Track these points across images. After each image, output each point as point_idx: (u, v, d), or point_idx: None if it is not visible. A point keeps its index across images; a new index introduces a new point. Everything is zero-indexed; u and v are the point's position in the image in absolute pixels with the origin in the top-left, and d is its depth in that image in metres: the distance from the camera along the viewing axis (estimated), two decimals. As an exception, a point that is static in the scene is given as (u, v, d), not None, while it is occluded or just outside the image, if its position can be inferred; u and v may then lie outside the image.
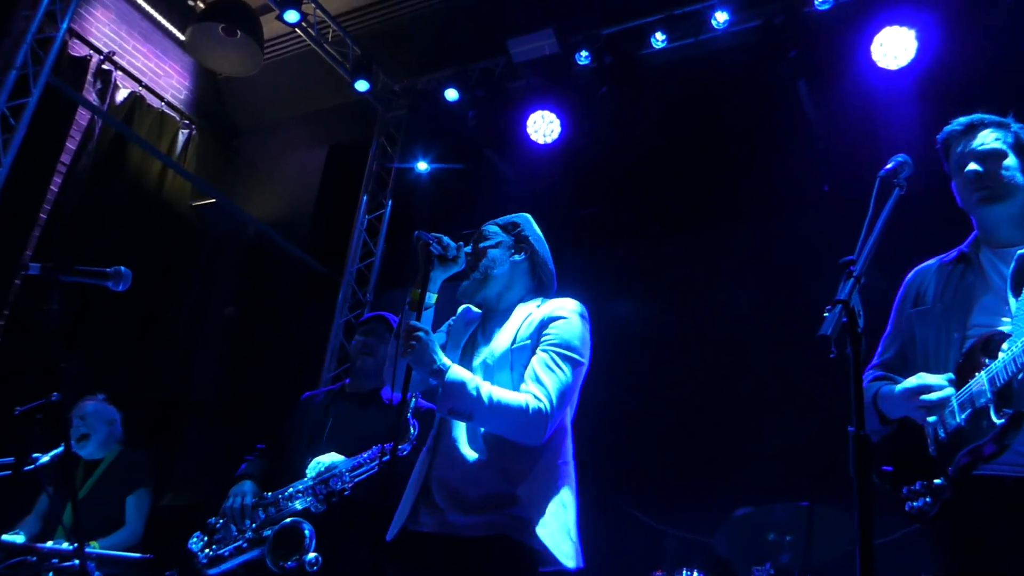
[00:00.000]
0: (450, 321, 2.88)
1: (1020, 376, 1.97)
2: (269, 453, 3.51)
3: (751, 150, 6.26)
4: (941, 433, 2.19)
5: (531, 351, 2.48)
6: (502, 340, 2.57)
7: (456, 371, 2.40)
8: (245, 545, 3.21)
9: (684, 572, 4.34)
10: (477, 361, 2.61)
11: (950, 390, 2.15)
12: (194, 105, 8.20)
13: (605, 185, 6.86)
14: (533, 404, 2.34)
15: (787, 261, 5.86)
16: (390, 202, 7.60)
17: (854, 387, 1.54)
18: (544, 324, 2.52)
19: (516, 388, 2.43)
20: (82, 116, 7.01)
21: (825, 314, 1.58)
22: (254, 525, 3.20)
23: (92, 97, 7.04)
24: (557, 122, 6.67)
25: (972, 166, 2.33)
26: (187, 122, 8.00)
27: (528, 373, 2.43)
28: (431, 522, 2.43)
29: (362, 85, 7.20)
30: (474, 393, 2.34)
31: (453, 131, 7.20)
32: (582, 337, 2.54)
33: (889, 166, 2.07)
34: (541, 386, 2.38)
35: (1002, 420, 1.99)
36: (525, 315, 2.60)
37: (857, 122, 5.79)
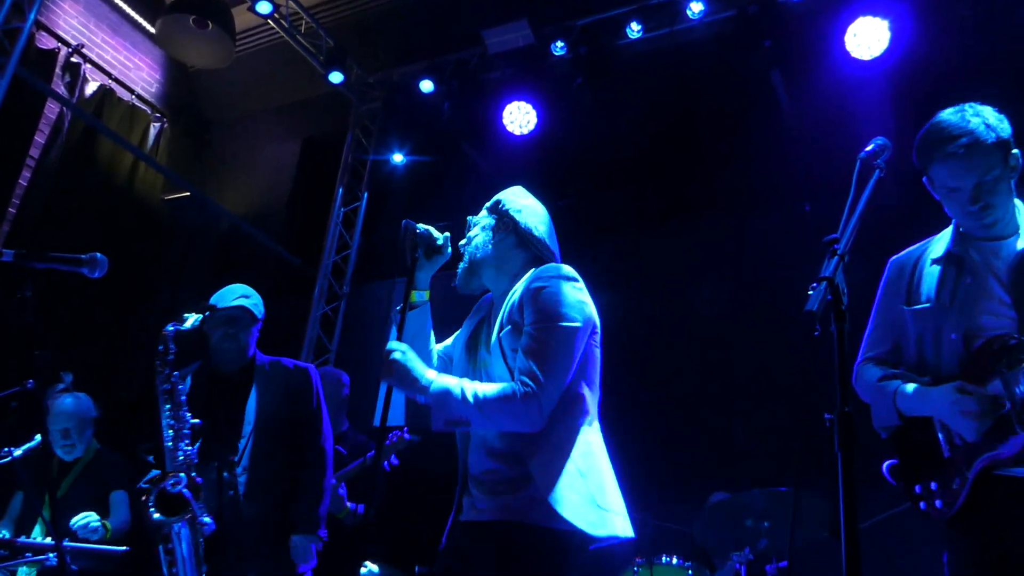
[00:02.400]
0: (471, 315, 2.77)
1: None
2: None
3: (727, 142, 6.28)
4: (957, 440, 2.23)
5: (518, 332, 2.33)
6: (495, 327, 2.48)
7: (439, 381, 2.29)
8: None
9: (664, 559, 4.36)
10: (483, 351, 2.54)
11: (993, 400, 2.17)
12: (165, 98, 8.09)
13: (581, 177, 6.86)
14: (520, 390, 2.21)
15: (764, 253, 5.90)
16: (366, 194, 7.56)
17: (838, 365, 1.54)
18: (528, 300, 2.34)
19: (505, 372, 2.34)
20: (51, 109, 6.90)
21: (810, 291, 1.59)
22: None
23: (61, 90, 6.93)
24: (533, 113, 6.66)
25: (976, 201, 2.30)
26: (158, 115, 7.90)
27: (518, 359, 2.29)
28: (470, 510, 2.39)
29: (336, 77, 7.15)
30: (460, 397, 2.24)
31: (428, 123, 7.17)
32: (566, 300, 2.33)
33: (869, 148, 2.07)
34: (526, 368, 2.24)
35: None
36: (513, 294, 2.45)
37: (831, 112, 5.83)
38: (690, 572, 4.25)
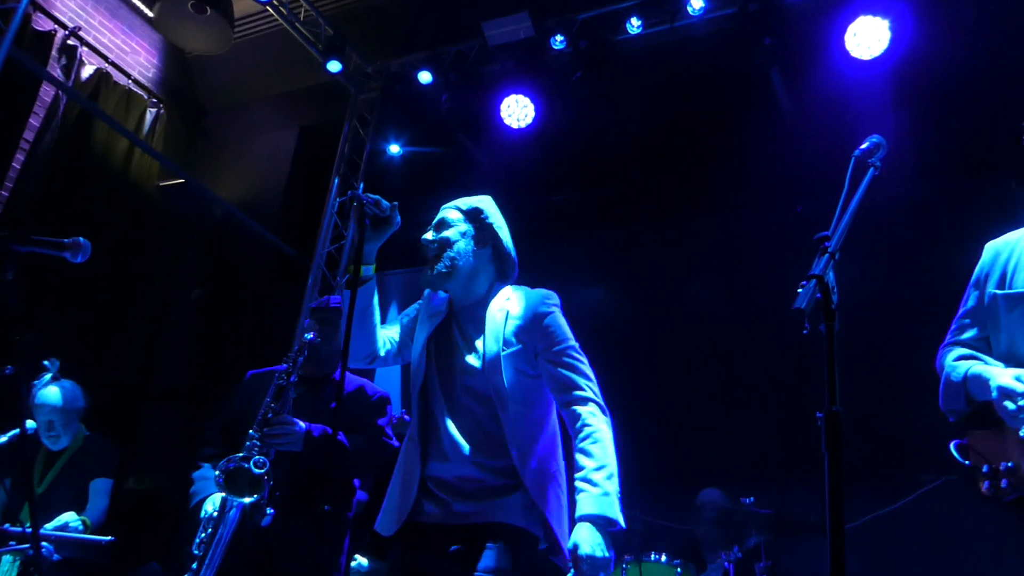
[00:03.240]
0: (416, 306, 2.79)
1: None
2: (220, 450, 3.38)
3: (725, 139, 6.27)
4: None
5: (528, 354, 2.50)
6: (489, 342, 2.50)
7: (607, 503, 2.27)
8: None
9: (652, 556, 4.34)
10: (459, 361, 2.54)
11: None
12: (162, 83, 8.05)
13: (578, 171, 6.84)
14: (604, 418, 2.42)
15: (759, 251, 5.89)
16: (362, 185, 7.52)
17: (827, 364, 1.52)
18: (537, 325, 2.53)
19: (509, 388, 2.43)
20: (46, 92, 6.86)
21: (799, 289, 1.57)
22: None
23: (56, 73, 6.88)
24: (531, 106, 6.62)
25: None
26: (155, 100, 7.86)
27: (564, 386, 2.45)
28: (438, 512, 2.42)
29: (334, 66, 7.10)
30: (608, 488, 2.29)
31: (426, 114, 7.14)
32: (566, 324, 2.62)
33: (864, 146, 2.06)
34: (582, 384, 2.45)
35: None
36: (503, 313, 2.56)
37: (829, 111, 5.81)
38: (679, 570, 4.24)
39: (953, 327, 2.47)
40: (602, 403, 2.44)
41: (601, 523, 2.24)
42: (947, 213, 5.35)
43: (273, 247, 7.44)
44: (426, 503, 2.43)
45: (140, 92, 7.70)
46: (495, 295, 2.64)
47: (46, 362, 4.42)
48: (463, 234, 2.61)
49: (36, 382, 4.36)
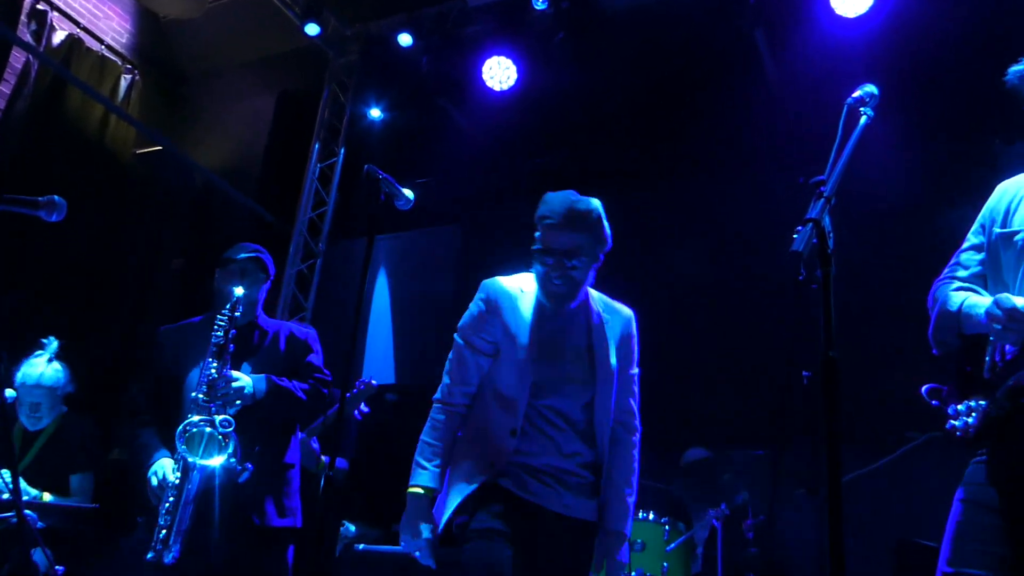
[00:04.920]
0: (477, 317, 2.73)
1: None
2: (154, 413, 3.33)
3: (709, 100, 6.21)
4: (997, 357, 2.09)
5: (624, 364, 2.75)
6: (600, 354, 2.65)
7: (623, 532, 2.66)
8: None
9: (640, 515, 4.37)
10: (568, 366, 2.63)
11: None
12: (136, 49, 7.88)
13: (560, 134, 6.77)
14: (636, 442, 2.75)
15: (745, 213, 5.87)
16: (343, 150, 7.44)
17: (823, 309, 1.50)
18: (627, 345, 2.77)
19: (613, 402, 2.65)
20: (16, 59, 6.70)
21: (795, 234, 1.54)
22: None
23: (27, 39, 6.72)
24: (513, 69, 6.54)
25: None
26: (129, 67, 7.70)
27: (628, 411, 2.75)
28: (549, 498, 2.55)
29: (312, 29, 6.98)
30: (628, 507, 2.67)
31: (407, 78, 7.04)
32: None
33: (856, 94, 2.04)
34: (635, 416, 2.79)
35: None
36: (607, 326, 2.72)
37: (815, 71, 5.76)
38: (667, 527, 4.26)
39: (952, 262, 2.41)
40: (640, 433, 2.75)
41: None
42: (931, 174, 5.35)
43: (254, 214, 7.36)
44: (531, 482, 2.52)
45: (114, 58, 7.54)
46: (592, 301, 2.77)
47: (44, 340, 4.35)
48: (589, 265, 2.66)
49: (27, 358, 4.28)
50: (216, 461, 3.03)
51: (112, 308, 7.37)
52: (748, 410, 5.24)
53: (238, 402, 3.15)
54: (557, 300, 2.61)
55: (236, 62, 8.22)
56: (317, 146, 7.38)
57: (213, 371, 3.13)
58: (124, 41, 7.78)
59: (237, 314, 3.26)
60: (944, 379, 2.29)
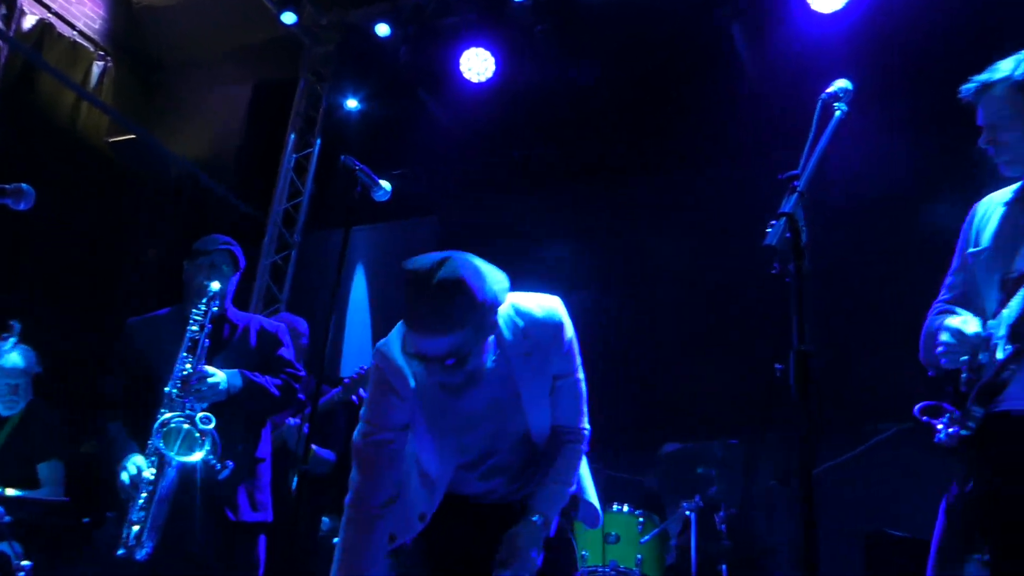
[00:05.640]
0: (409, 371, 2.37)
1: None
2: (123, 407, 3.30)
3: (688, 93, 6.23)
4: (964, 371, 2.19)
5: None
6: (530, 391, 2.38)
7: (548, 514, 2.36)
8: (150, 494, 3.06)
9: (615, 507, 4.39)
10: (479, 417, 2.39)
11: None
12: (109, 36, 7.77)
13: (539, 127, 6.77)
14: (583, 443, 2.50)
15: (722, 206, 5.90)
16: (319, 141, 7.38)
17: (795, 302, 1.52)
18: (562, 354, 2.44)
19: (549, 422, 2.45)
20: (-15, 44, 6.59)
21: (768, 228, 1.55)
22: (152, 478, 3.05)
23: (-5, 24, 6.61)
24: (491, 60, 6.52)
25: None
26: (102, 53, 7.58)
27: (564, 409, 2.47)
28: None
29: (288, 18, 6.93)
30: (562, 497, 2.40)
31: (384, 68, 7.00)
32: None
33: (831, 89, 2.06)
34: (580, 419, 2.51)
35: (1005, 355, 2.06)
36: (530, 359, 2.35)
37: (790, 67, 5.80)
38: (641, 520, 4.29)
39: (942, 287, 2.48)
40: (587, 434, 2.51)
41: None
42: (908, 170, 5.41)
43: (229, 204, 7.29)
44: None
45: (86, 44, 7.43)
46: (506, 338, 2.32)
47: (11, 323, 4.29)
48: (480, 345, 2.17)
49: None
50: (196, 457, 3.02)
51: (82, 298, 7.28)
52: (724, 403, 5.29)
53: (212, 397, 3.14)
54: (462, 390, 2.24)
55: (212, 50, 8.12)
56: (293, 136, 7.33)
57: (188, 366, 3.11)
58: (97, 27, 7.66)
59: (214, 309, 3.25)
60: (929, 392, 2.36)
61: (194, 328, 3.18)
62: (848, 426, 4.58)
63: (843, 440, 4.59)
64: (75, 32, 7.31)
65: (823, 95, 2.05)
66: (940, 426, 2.22)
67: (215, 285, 3.29)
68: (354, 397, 4.21)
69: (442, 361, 2.08)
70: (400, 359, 2.31)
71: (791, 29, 5.79)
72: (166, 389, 3.11)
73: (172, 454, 3.01)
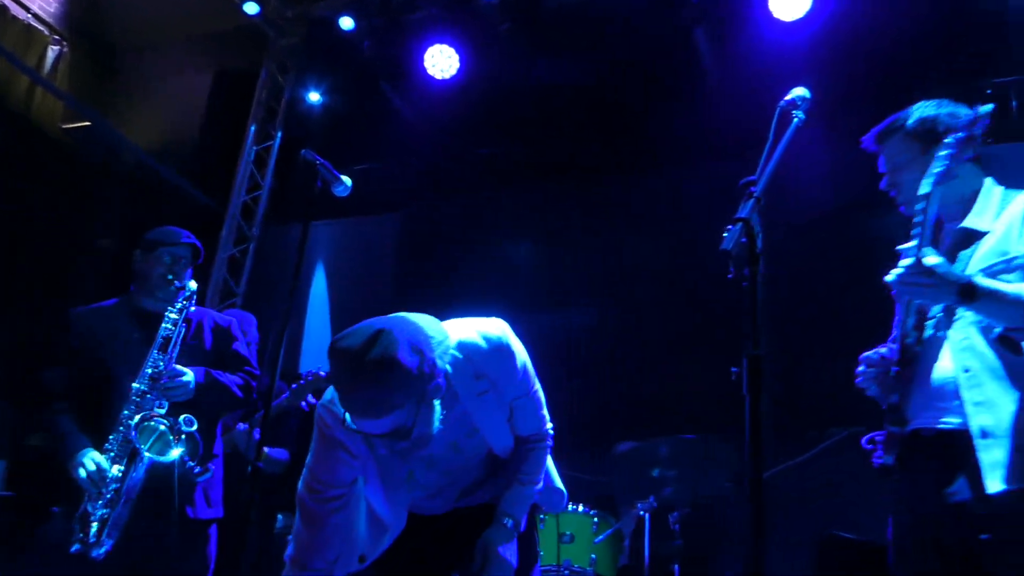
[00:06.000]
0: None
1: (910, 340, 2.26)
2: (72, 399, 3.23)
3: (652, 95, 6.27)
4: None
5: None
6: (488, 425, 2.33)
7: (517, 517, 2.35)
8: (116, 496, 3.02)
9: (569, 507, 4.40)
10: (435, 460, 2.35)
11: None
12: (66, 19, 7.59)
13: (503, 125, 6.76)
14: (548, 447, 2.53)
15: (684, 209, 5.95)
16: (280, 133, 7.30)
17: (750, 307, 1.53)
18: (516, 383, 2.38)
19: (512, 442, 2.44)
20: (-66, 24, 6.41)
21: (725, 233, 1.57)
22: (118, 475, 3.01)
23: (-53, 3, 6.43)
24: (456, 57, 6.50)
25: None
26: (57, 38, 7.41)
27: (525, 425, 2.46)
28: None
29: (251, 8, 6.82)
30: (529, 497, 2.42)
31: (348, 62, 6.94)
32: None
33: (789, 97, 2.09)
34: (543, 431, 2.52)
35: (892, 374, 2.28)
36: (484, 398, 2.28)
37: (751, 73, 5.86)
38: (595, 519, 4.31)
39: None
40: (551, 436, 2.54)
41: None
42: (866, 177, 5.48)
43: (186, 195, 7.18)
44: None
45: (41, 28, 7.26)
46: (456, 380, 2.22)
47: None
48: (426, 408, 2.04)
49: None
50: (174, 454, 3.01)
51: (32, 288, 7.12)
52: (679, 404, 5.33)
53: (180, 396, 3.13)
54: (410, 448, 2.09)
55: (172, 37, 7.98)
56: (253, 128, 7.23)
57: (161, 364, 3.10)
58: (52, 10, 7.49)
59: (192, 308, 3.23)
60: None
61: (168, 326, 3.16)
62: (801, 430, 4.65)
63: (796, 444, 4.65)
64: (29, 15, 7.13)
65: (781, 102, 2.07)
66: (878, 452, 2.35)
67: (193, 284, 3.28)
68: (303, 404, 4.16)
69: (391, 439, 2.01)
70: (337, 418, 2.17)
71: (753, 35, 5.85)
72: (134, 385, 3.07)
73: (151, 454, 2.99)
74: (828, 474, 4.68)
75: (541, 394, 2.44)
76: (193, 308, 3.28)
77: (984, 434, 2.04)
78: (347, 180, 2.91)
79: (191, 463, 2.99)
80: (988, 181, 2.35)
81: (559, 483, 2.60)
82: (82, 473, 2.98)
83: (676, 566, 4.34)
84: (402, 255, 6.97)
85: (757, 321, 1.53)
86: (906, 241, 2.16)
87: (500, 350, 2.24)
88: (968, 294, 2.03)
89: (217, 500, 3.33)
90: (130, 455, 3.00)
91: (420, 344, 1.98)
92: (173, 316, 3.17)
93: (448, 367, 2.10)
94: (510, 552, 2.26)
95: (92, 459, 3.00)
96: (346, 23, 6.70)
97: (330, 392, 2.24)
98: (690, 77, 6.18)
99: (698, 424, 4.66)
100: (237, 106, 7.47)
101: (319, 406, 2.28)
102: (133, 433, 2.99)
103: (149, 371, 3.08)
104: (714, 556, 4.83)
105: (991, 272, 2.16)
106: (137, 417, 3.01)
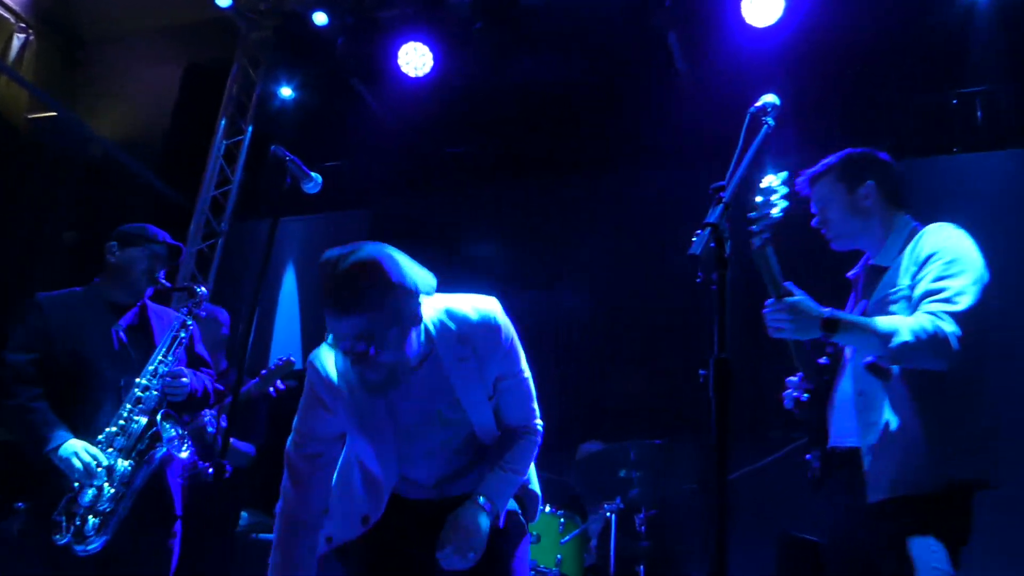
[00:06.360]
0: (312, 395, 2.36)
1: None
2: (45, 386, 3.17)
3: (624, 97, 6.31)
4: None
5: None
6: (469, 395, 2.31)
7: (496, 501, 2.28)
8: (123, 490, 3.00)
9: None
10: (418, 426, 2.30)
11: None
12: (32, 8, 7.47)
13: (476, 124, 6.77)
14: (537, 437, 2.47)
15: (653, 211, 5.98)
16: (250, 128, 7.23)
17: (718, 311, 1.55)
18: (502, 357, 2.36)
19: (493, 422, 2.38)
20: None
21: (694, 238, 1.58)
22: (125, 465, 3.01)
23: (-90, -12, 6.30)
24: (429, 55, 6.48)
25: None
26: (23, 26, 7.30)
27: (512, 410, 2.42)
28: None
29: (223, 0, 6.76)
30: (511, 485, 2.35)
31: (321, 58, 6.89)
32: None
33: (758, 104, 2.12)
34: (531, 419, 2.48)
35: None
36: (464, 361, 2.28)
37: (723, 78, 5.92)
38: (562, 520, 4.31)
39: None
40: (540, 429, 2.50)
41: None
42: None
43: (154, 189, 7.09)
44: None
45: (6, 16, 7.14)
46: (440, 340, 2.26)
47: None
48: (398, 332, 2.09)
49: None
50: (183, 455, 3.11)
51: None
52: (646, 405, 5.36)
53: (178, 397, 3.17)
54: (386, 388, 2.15)
55: (141, 28, 7.88)
56: (224, 122, 7.16)
57: (168, 364, 3.14)
58: (19, -1, 7.38)
59: (203, 314, 3.26)
60: None
61: (181, 333, 3.22)
62: (765, 434, 4.70)
63: (760, 447, 4.70)
64: (-5, 2, 7.02)
65: (751, 108, 2.10)
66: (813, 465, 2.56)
67: (203, 289, 3.35)
68: (271, 390, 4.14)
69: (355, 341, 2.03)
70: (329, 370, 2.28)
71: (726, 40, 5.89)
72: (138, 380, 3.09)
73: (178, 450, 3.08)
74: (790, 477, 4.73)
75: (531, 385, 2.42)
76: (204, 314, 3.31)
77: (869, 451, 2.28)
78: (317, 177, 2.89)
79: (203, 464, 3.03)
80: (902, 220, 2.54)
81: (536, 487, 2.54)
82: (76, 463, 2.91)
83: (642, 567, 4.36)
84: (371, 252, 6.94)
85: (725, 325, 1.54)
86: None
87: (487, 321, 2.28)
88: (830, 327, 2.22)
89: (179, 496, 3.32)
90: (139, 451, 3.01)
91: (404, 268, 2.08)
92: (188, 323, 3.25)
93: (432, 327, 2.21)
94: (480, 529, 2.20)
95: (86, 449, 2.95)
96: (319, 18, 6.66)
97: (322, 345, 2.33)
98: (663, 79, 6.22)
99: (665, 426, 4.70)
100: (207, 100, 7.40)
101: (308, 360, 2.35)
102: (160, 427, 3.04)
103: (159, 368, 3.12)
104: (679, 557, 4.87)
105: (879, 302, 2.38)
106: (142, 417, 3.05)
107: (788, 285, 2.32)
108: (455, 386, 2.25)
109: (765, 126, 2.05)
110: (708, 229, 1.58)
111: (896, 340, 2.15)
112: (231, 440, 4.00)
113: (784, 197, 2.21)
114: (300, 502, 2.35)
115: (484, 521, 2.21)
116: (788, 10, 5.59)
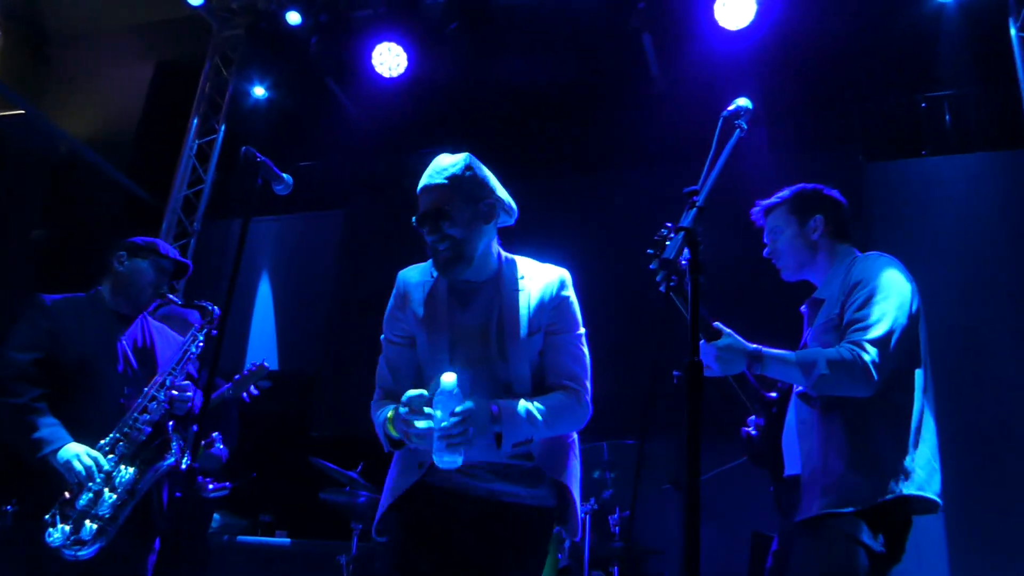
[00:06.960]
0: (394, 307, 2.49)
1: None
2: (46, 387, 3.12)
3: (599, 98, 6.32)
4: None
5: (543, 336, 2.41)
6: (510, 325, 2.35)
7: (506, 411, 2.22)
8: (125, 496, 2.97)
9: (511, 509, 4.40)
10: (478, 348, 2.35)
11: None
12: (-1, 3, 7.37)
13: (449, 125, 6.75)
14: (582, 399, 2.36)
15: (624, 212, 6.01)
16: (223, 127, 7.17)
17: (692, 314, 1.55)
18: (555, 307, 2.42)
19: (529, 375, 2.35)
20: None
21: (667, 241, 1.59)
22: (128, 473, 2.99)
23: None
24: (404, 56, 6.47)
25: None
26: (-10, 22, 7.19)
27: (559, 365, 2.38)
28: (476, 489, 2.40)
29: (195, -1, 6.70)
30: (529, 420, 2.24)
31: (294, 57, 6.85)
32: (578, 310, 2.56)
33: (731, 108, 2.12)
34: (579, 380, 2.39)
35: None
36: (520, 292, 2.40)
37: (697, 80, 5.96)
38: (536, 521, 4.31)
39: None
40: (588, 398, 2.38)
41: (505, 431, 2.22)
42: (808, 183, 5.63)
43: (124, 188, 7.01)
44: (456, 476, 2.32)
45: (-27, 11, 7.03)
46: (507, 270, 2.45)
47: None
48: (470, 220, 2.31)
49: None
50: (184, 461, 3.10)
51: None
52: (620, 406, 5.37)
53: (181, 410, 3.15)
54: (450, 269, 2.31)
55: (112, 25, 7.79)
56: (196, 121, 7.09)
57: (178, 377, 3.15)
58: (-14, -6, 7.27)
59: (214, 332, 3.25)
60: None
61: (194, 349, 3.23)
62: (738, 434, 4.73)
63: (733, 447, 4.73)
64: (-39, -2, 6.91)
65: (724, 112, 2.10)
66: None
67: (216, 308, 3.32)
68: (245, 395, 4.10)
69: (435, 218, 2.28)
70: (409, 283, 2.47)
71: (699, 42, 5.93)
72: (146, 390, 3.08)
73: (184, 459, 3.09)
74: (761, 477, 4.77)
75: (587, 356, 2.44)
76: (216, 332, 3.29)
77: (805, 474, 2.36)
78: (288, 179, 2.88)
79: (204, 479, 3.01)
80: (845, 251, 2.60)
81: (577, 493, 2.44)
82: (77, 466, 2.88)
83: (616, 567, 4.38)
84: (342, 252, 6.90)
85: (698, 327, 1.55)
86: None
87: (552, 276, 2.47)
88: (757, 359, 2.31)
89: None
90: (143, 459, 2.99)
91: (494, 180, 2.40)
92: (202, 341, 3.25)
93: (505, 256, 2.47)
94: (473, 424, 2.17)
95: (88, 453, 2.92)
96: (293, 18, 6.62)
97: (409, 267, 2.53)
98: (636, 81, 6.24)
99: (637, 427, 4.72)
100: (179, 98, 7.33)
101: (399, 274, 2.52)
102: (172, 437, 3.04)
103: (167, 380, 3.11)
104: (653, 557, 4.89)
105: (817, 331, 2.44)
106: (146, 427, 3.02)
107: (718, 325, 2.37)
108: (505, 310, 2.38)
109: (738, 131, 2.05)
110: (682, 233, 1.59)
111: (815, 371, 2.23)
112: (202, 444, 4.00)
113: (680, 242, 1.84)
114: (395, 386, 2.42)
115: (484, 419, 2.17)
116: (760, 14, 5.64)
